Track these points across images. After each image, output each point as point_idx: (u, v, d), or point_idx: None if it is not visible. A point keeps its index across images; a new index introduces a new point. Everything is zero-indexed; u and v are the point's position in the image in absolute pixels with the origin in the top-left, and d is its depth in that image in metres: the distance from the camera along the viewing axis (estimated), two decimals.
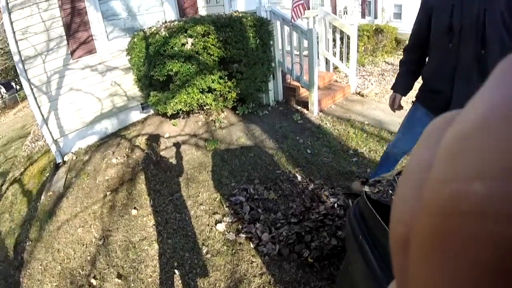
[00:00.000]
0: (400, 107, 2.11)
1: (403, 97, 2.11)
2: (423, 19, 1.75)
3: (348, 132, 3.89)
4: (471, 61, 1.53)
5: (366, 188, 0.97)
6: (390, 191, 0.95)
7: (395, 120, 4.32)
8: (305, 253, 2.13)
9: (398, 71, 2.11)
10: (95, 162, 3.68)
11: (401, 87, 2.06)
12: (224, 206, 2.68)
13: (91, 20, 4.03)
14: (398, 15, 21.05)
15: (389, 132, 3.93)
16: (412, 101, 2.07)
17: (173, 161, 3.40)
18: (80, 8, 3.91)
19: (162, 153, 3.56)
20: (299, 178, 2.94)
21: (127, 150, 3.75)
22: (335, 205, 2.52)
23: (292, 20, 4.02)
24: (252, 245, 2.28)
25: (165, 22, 3.91)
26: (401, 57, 2.07)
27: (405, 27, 19.72)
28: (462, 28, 1.50)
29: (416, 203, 0.12)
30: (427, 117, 1.87)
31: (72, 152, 4.03)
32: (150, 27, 3.83)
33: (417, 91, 2.00)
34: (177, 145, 3.64)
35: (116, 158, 3.61)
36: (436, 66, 1.73)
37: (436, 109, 1.76)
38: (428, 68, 1.85)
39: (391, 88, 2.13)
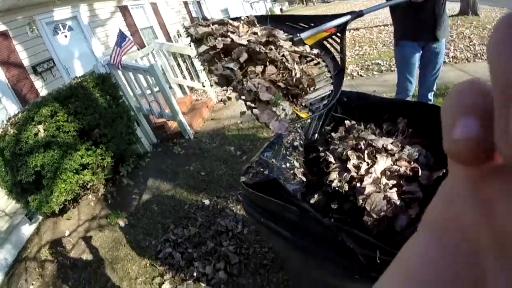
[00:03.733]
0: None
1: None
2: None
3: (228, 137, 4.13)
4: None
5: (243, 178, 1.13)
6: (261, 169, 1.12)
7: None
8: None
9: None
10: None
11: None
12: (157, 266, 2.60)
13: None
14: None
15: None
16: (395, 44, 2.57)
17: (86, 255, 3.11)
18: None
19: (72, 253, 3.23)
20: (207, 201, 3.04)
21: (37, 270, 3.27)
22: None
23: (119, 66, 4.01)
24: (203, 284, 2.26)
25: (9, 118, 3.59)
26: None
27: None
28: None
29: None
30: (416, 49, 2.45)
31: None
32: None
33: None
34: (83, 237, 3.36)
35: (32, 285, 3.13)
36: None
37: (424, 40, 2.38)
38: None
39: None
